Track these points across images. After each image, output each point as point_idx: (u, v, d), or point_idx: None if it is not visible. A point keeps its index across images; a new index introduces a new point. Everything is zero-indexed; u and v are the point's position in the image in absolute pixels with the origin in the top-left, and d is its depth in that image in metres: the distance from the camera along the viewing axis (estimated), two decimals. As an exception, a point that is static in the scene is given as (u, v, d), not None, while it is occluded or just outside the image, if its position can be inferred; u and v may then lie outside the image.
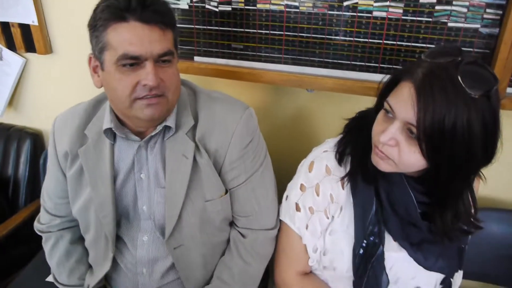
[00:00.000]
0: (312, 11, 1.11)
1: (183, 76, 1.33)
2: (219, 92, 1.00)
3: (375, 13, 1.06)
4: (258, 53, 1.22)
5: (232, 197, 0.97)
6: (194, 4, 1.22)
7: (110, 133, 0.92)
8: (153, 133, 0.90)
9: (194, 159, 0.90)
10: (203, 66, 1.28)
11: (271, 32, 1.18)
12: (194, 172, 0.91)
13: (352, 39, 1.11)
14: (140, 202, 0.95)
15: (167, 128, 0.90)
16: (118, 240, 0.99)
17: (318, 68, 1.17)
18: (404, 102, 0.70)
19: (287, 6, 1.13)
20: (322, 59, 1.16)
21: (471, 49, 1.02)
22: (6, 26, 1.54)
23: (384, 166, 0.78)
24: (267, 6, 1.15)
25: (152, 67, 0.79)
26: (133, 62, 0.78)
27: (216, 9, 1.21)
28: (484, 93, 0.67)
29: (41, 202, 1.08)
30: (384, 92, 0.79)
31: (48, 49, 1.55)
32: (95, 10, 0.81)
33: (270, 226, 0.99)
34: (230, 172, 0.94)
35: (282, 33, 1.17)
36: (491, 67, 0.99)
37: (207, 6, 1.21)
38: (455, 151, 0.69)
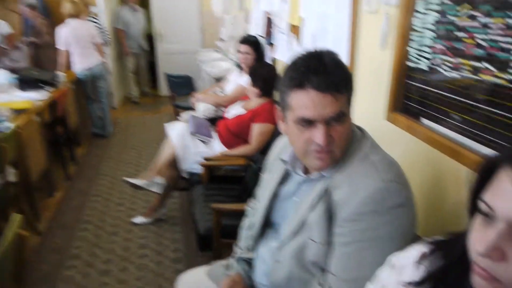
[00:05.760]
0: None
1: (404, 133, 1.30)
2: (381, 155, 0.98)
3: None
4: (474, 131, 1.02)
5: (329, 250, 0.97)
6: (432, 66, 1.17)
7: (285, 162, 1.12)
8: (312, 178, 1.04)
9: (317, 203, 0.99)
10: (419, 129, 1.21)
11: (492, 109, 0.95)
12: (311, 212, 1.00)
13: None
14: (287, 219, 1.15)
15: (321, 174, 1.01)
16: (264, 236, 1.24)
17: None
18: (508, 195, 0.52)
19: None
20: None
21: None
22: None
23: None
24: (490, 78, 0.94)
25: (323, 128, 0.90)
26: (308, 123, 0.93)
27: (447, 74, 1.10)
28: None
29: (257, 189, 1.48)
30: (477, 188, 0.57)
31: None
32: (285, 72, 0.97)
33: None
34: (338, 228, 0.95)
35: (504, 114, 0.92)
36: None
37: (439, 69, 1.13)
38: None
